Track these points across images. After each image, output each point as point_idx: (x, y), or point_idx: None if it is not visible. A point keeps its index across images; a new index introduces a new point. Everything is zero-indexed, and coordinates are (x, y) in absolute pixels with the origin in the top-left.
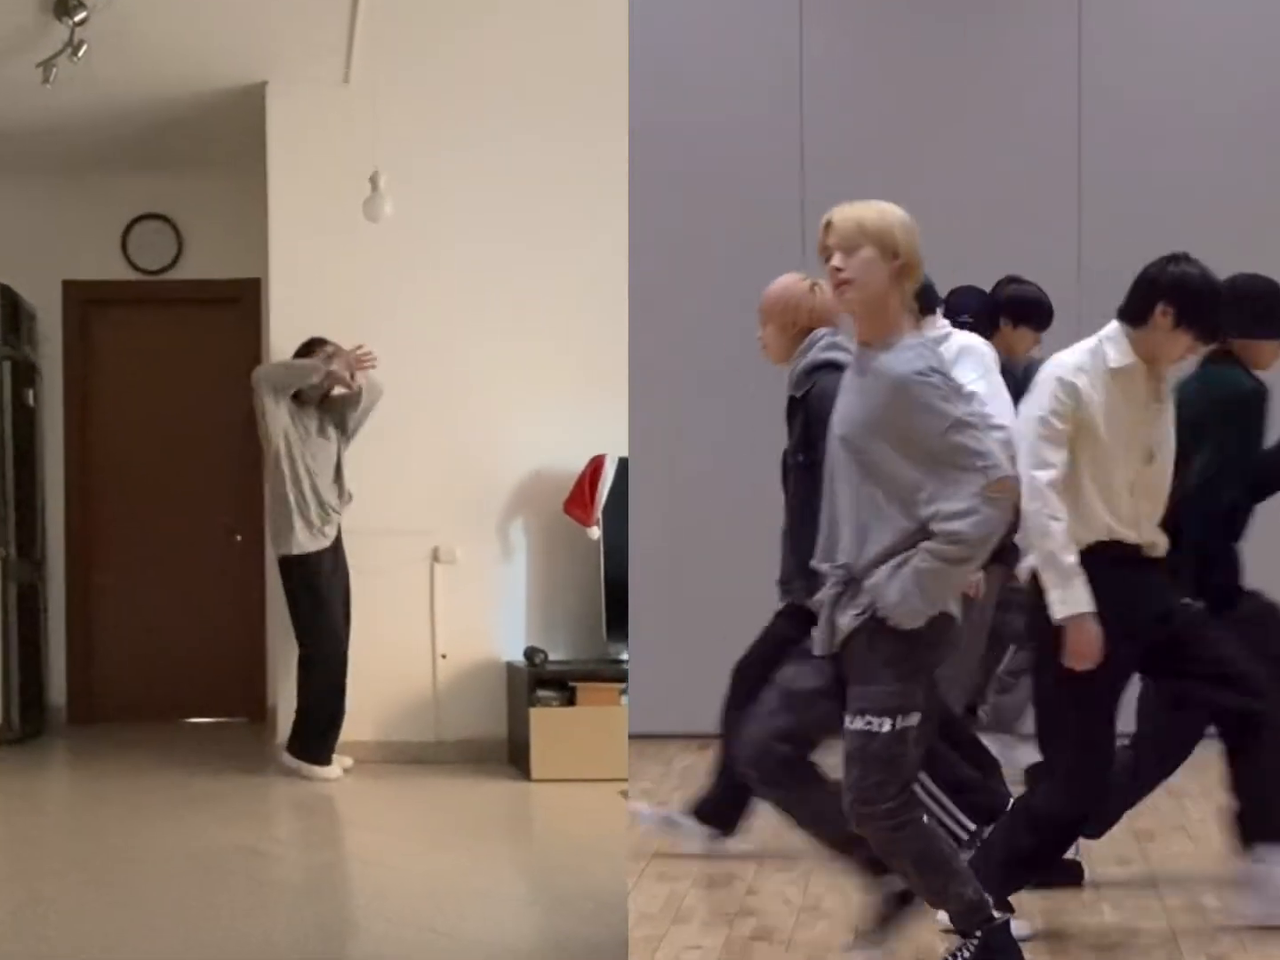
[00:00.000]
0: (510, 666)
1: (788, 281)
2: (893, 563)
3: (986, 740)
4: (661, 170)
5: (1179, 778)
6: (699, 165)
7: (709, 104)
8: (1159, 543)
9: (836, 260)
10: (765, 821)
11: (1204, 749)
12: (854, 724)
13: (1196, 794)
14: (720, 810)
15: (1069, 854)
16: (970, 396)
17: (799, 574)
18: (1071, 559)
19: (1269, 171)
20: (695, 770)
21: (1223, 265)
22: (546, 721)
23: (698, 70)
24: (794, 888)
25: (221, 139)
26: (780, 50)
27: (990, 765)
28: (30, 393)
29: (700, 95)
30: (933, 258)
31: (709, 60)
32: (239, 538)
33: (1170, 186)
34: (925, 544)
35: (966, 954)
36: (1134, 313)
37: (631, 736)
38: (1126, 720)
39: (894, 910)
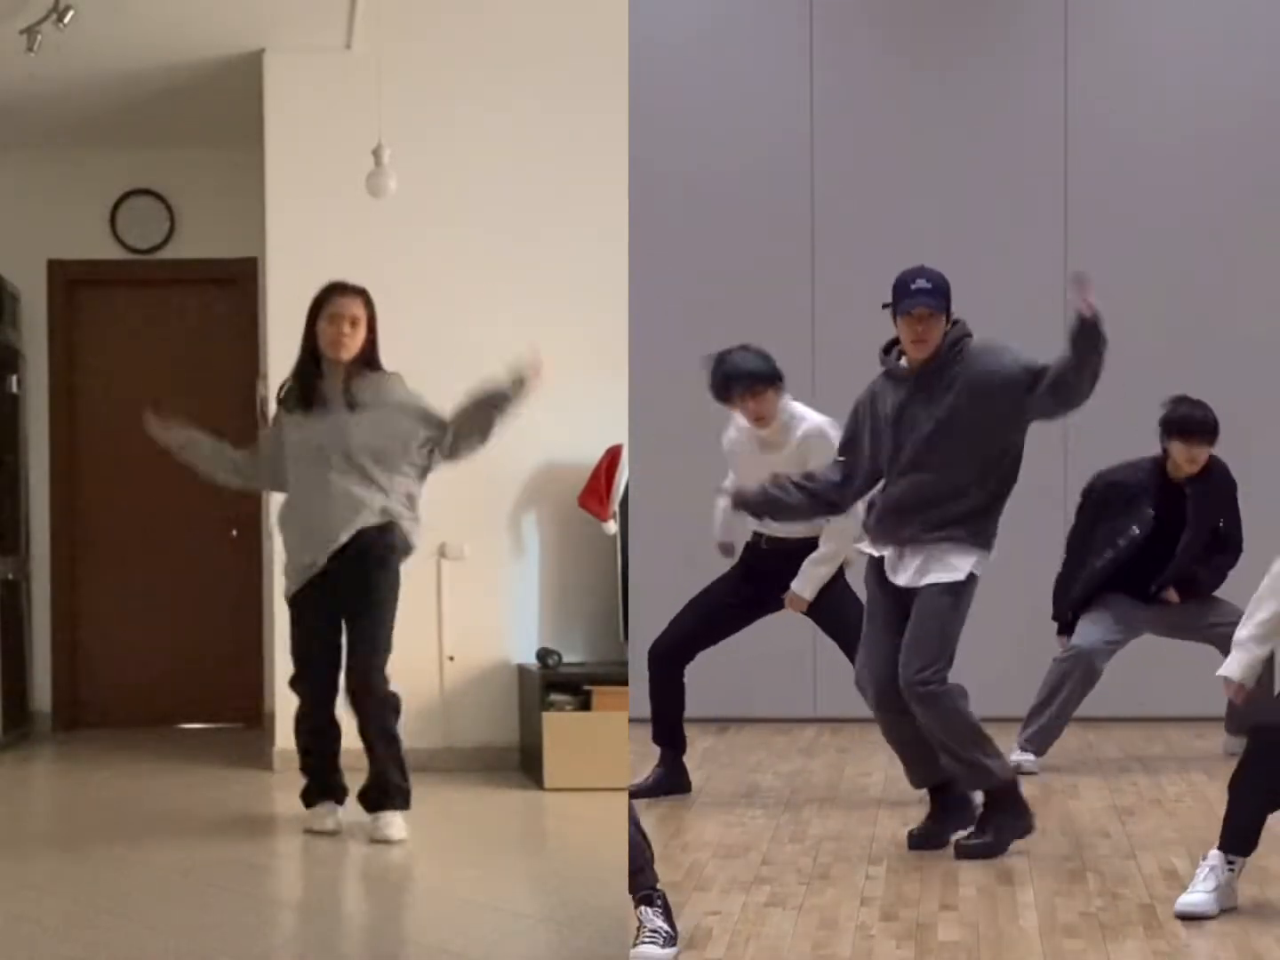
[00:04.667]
0: (522, 669)
1: None
2: None
3: None
4: (670, 182)
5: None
6: (707, 175)
7: (718, 117)
8: None
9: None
10: (777, 798)
11: (1182, 731)
12: None
13: (1172, 772)
14: None
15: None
16: None
17: None
18: None
19: (1249, 200)
20: (715, 752)
21: (1204, 289)
22: (560, 727)
23: (707, 95)
24: (805, 858)
25: (216, 110)
26: (791, 88)
27: None
28: (13, 379)
29: (709, 107)
30: (961, 278)
31: (719, 91)
32: (235, 533)
33: (1152, 213)
34: None
35: None
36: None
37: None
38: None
39: None
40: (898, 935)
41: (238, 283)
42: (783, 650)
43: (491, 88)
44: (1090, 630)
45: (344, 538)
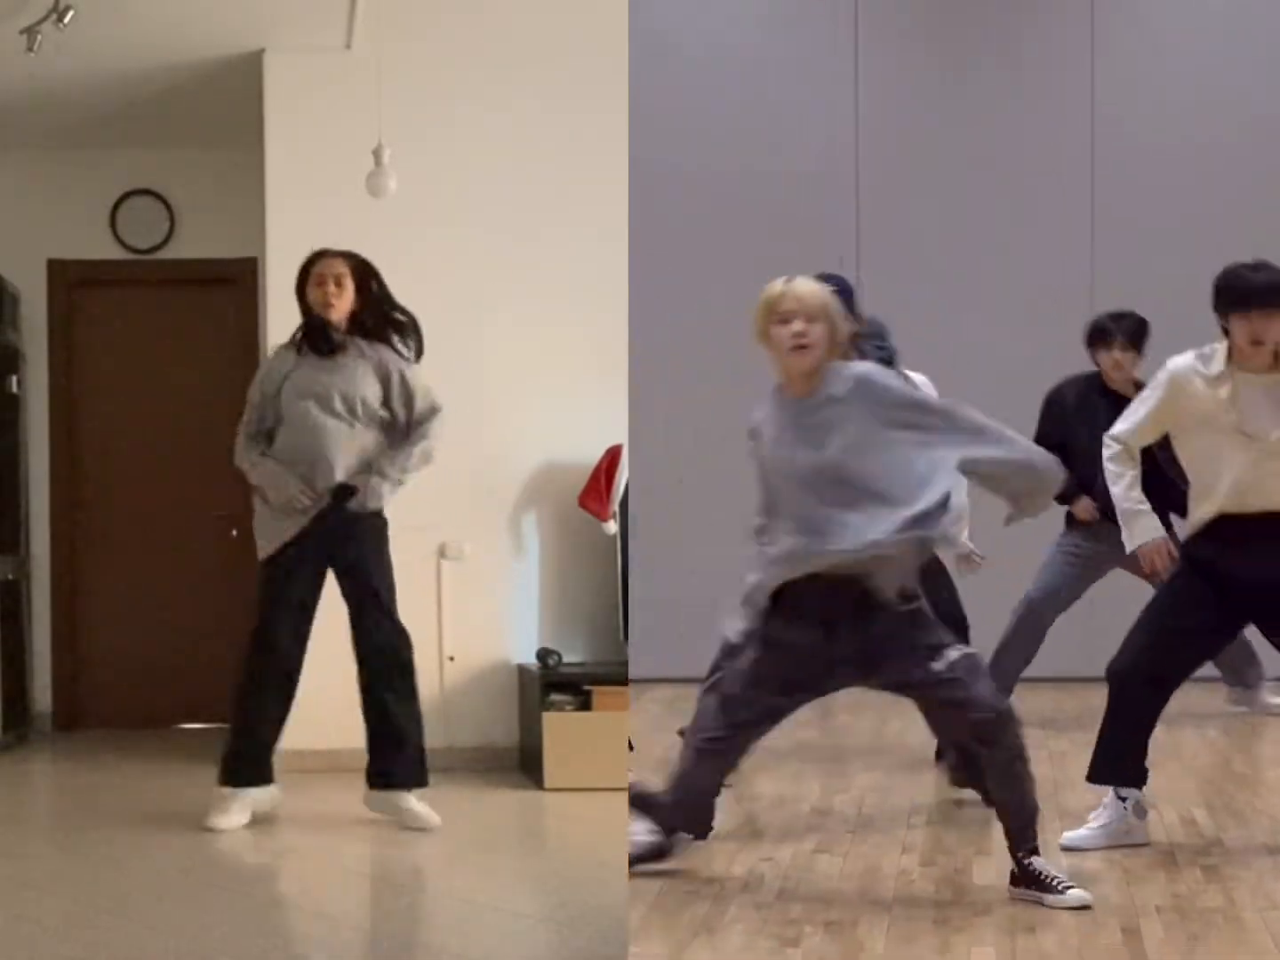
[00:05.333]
0: (522, 669)
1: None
2: None
3: None
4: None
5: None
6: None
7: (746, 112)
8: None
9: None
10: (825, 753)
11: (1199, 690)
12: None
13: (1190, 728)
14: None
15: None
16: None
17: None
18: None
19: (1270, 197)
20: None
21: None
22: (560, 727)
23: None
24: (851, 809)
25: (216, 110)
26: (835, 98)
27: None
28: (14, 380)
29: (753, 110)
30: (964, 278)
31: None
32: (235, 532)
33: (1175, 208)
34: None
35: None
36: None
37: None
38: None
39: None
40: (936, 880)
41: (238, 282)
42: None
43: (491, 88)
44: None
45: (339, 476)
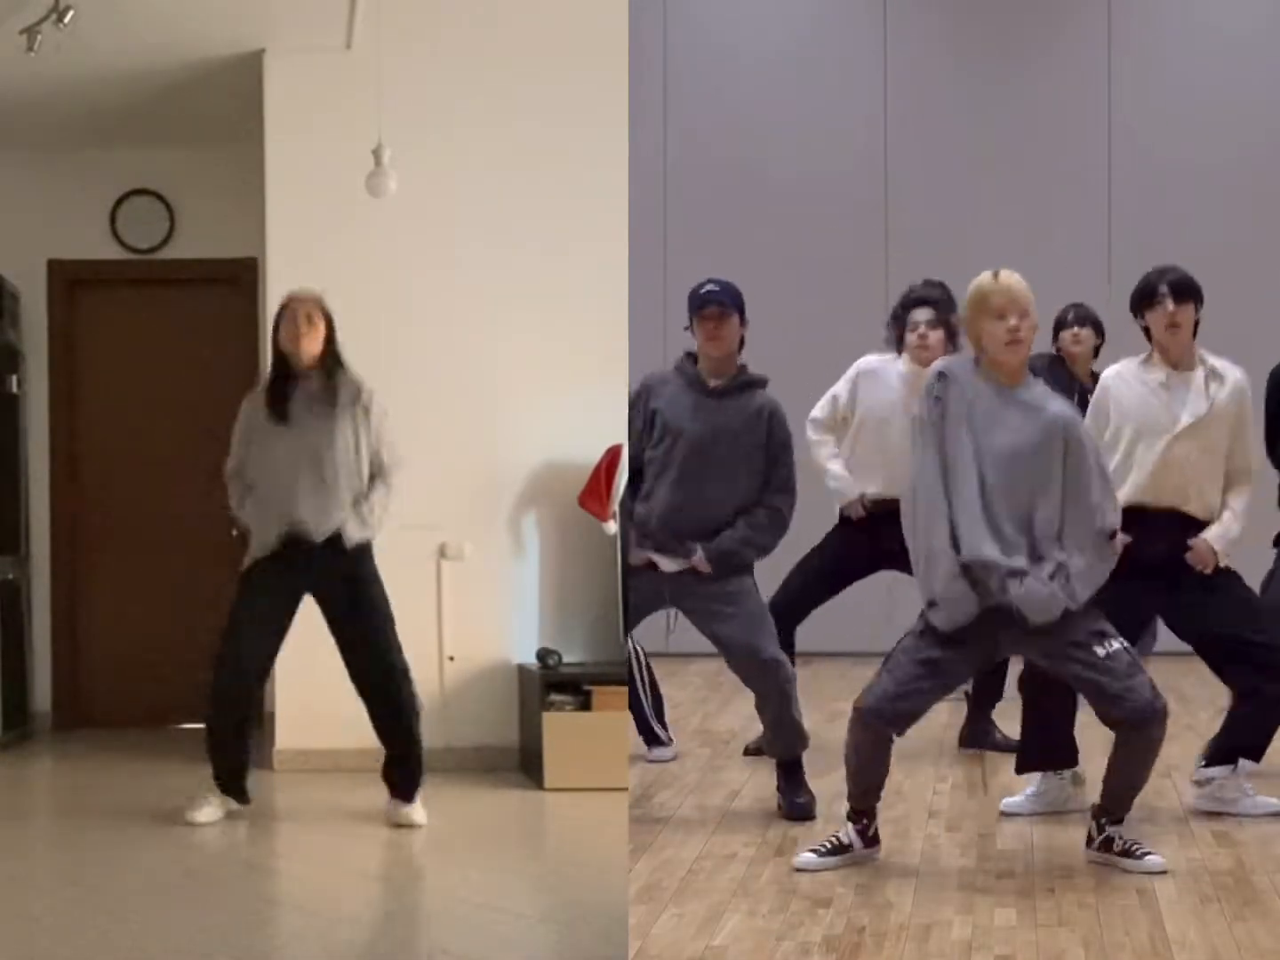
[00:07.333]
0: (522, 669)
1: None
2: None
3: None
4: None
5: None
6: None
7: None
8: None
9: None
10: None
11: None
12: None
13: (1204, 700)
14: None
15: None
16: None
17: None
18: None
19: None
20: (801, 682)
21: (1234, 290)
22: (560, 727)
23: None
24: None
25: (216, 110)
26: (866, 106)
27: None
28: (13, 379)
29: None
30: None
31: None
32: (235, 532)
33: (1187, 220)
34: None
35: None
36: None
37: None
38: None
39: None
40: (961, 844)
41: (237, 282)
42: (861, 590)
43: (491, 87)
44: None
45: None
